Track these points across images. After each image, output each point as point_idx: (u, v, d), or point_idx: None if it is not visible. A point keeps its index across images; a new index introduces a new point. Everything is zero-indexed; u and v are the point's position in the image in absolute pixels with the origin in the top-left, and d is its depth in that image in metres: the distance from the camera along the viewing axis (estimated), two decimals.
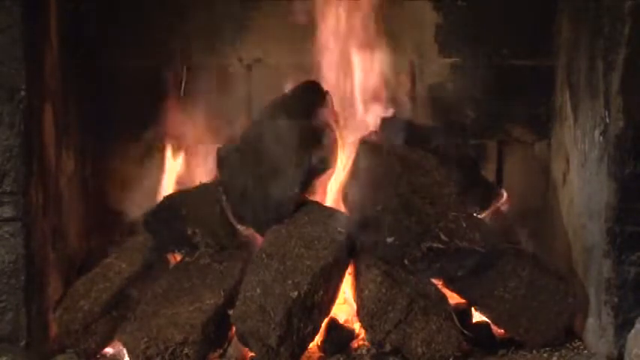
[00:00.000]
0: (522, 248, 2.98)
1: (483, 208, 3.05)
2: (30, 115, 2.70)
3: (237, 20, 3.25)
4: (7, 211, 2.69)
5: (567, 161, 3.10)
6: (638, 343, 2.67)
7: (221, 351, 2.80)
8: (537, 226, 3.28)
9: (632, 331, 2.71)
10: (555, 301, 2.86)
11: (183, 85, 3.22)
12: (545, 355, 2.84)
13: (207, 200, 3.00)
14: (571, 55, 3.08)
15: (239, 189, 2.94)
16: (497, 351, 2.85)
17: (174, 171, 3.22)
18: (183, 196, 3.05)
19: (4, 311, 2.71)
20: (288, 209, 2.90)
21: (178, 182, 3.20)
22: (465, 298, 2.91)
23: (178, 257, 2.98)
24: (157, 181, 3.20)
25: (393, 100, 3.19)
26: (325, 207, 2.98)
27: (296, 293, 2.69)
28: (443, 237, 2.82)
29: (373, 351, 2.78)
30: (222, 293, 2.80)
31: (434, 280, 2.86)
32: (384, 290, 2.76)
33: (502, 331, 2.91)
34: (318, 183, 3.03)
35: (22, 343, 2.72)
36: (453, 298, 2.89)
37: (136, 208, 3.08)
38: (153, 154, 3.23)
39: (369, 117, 3.15)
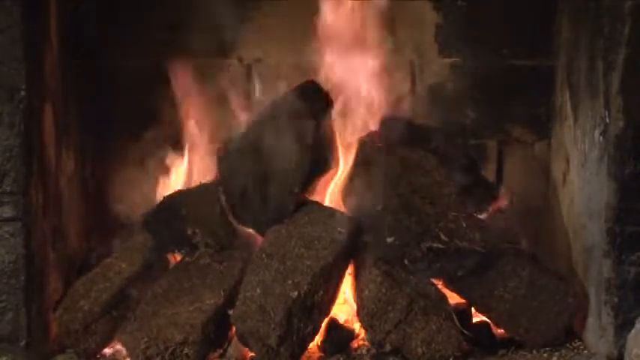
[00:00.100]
0: (522, 248, 2.98)
1: (483, 208, 3.05)
2: (30, 115, 2.70)
3: (237, 20, 3.25)
4: (7, 211, 2.69)
5: (567, 161, 3.10)
6: (638, 343, 2.67)
7: (221, 351, 2.80)
8: (537, 226, 3.28)
9: (632, 331, 2.71)
10: (555, 301, 2.86)
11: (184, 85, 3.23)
12: (545, 355, 2.84)
13: (207, 200, 3.00)
14: (571, 55, 3.08)
15: (239, 189, 2.94)
16: (497, 351, 2.85)
17: (174, 171, 3.22)
18: (183, 196, 3.05)
19: (4, 311, 2.71)
20: (288, 209, 2.91)
21: (178, 182, 3.20)
22: (465, 298, 2.91)
23: (178, 257, 2.98)
24: (157, 181, 3.20)
25: (392, 100, 3.19)
26: (325, 207, 2.98)
27: (296, 293, 2.69)
28: (443, 237, 2.82)
29: (373, 351, 2.78)
30: (222, 293, 2.80)
31: (434, 280, 2.86)
32: (384, 290, 2.76)
33: (502, 331, 2.91)
34: (318, 183, 3.04)
35: (22, 343, 2.72)
36: (453, 298, 2.89)
37: (136, 208, 3.08)
38: (153, 154, 3.22)
39: (369, 117, 3.15)
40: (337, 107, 3.12)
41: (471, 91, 3.30)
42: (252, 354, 2.76)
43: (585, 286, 2.90)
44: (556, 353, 2.85)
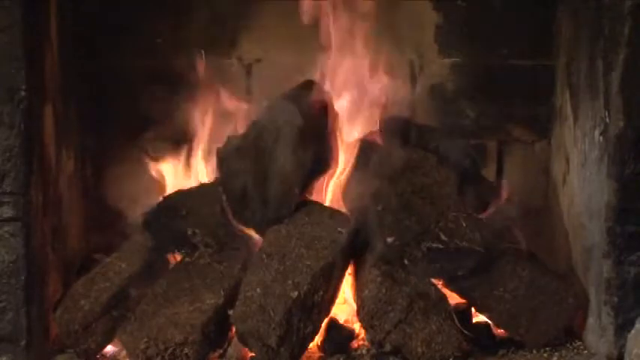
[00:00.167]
0: (522, 248, 2.98)
1: (483, 208, 3.04)
2: (30, 115, 2.70)
3: (237, 20, 3.25)
4: (7, 211, 2.69)
5: (567, 161, 3.10)
6: (638, 343, 2.67)
7: (221, 351, 2.80)
8: (537, 226, 3.27)
9: (632, 331, 2.71)
10: (555, 301, 2.86)
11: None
12: (545, 355, 2.84)
13: (207, 200, 2.99)
14: (571, 55, 3.08)
15: (239, 189, 2.93)
16: (497, 351, 2.85)
17: (174, 171, 3.22)
18: (183, 196, 3.05)
19: (4, 311, 2.71)
20: (288, 209, 2.91)
21: (178, 182, 3.20)
22: (464, 298, 2.91)
23: (178, 257, 2.98)
24: (157, 181, 3.20)
25: (393, 100, 3.18)
26: (325, 207, 2.98)
27: (296, 293, 2.69)
28: (443, 237, 2.82)
29: (373, 351, 2.78)
30: (222, 293, 2.80)
31: (434, 280, 2.86)
32: (384, 290, 2.76)
33: (502, 331, 2.91)
34: (318, 183, 3.03)
35: (22, 343, 2.72)
36: (453, 298, 2.89)
37: (136, 208, 3.08)
38: (153, 154, 3.22)
39: (369, 117, 3.15)
40: (337, 107, 3.12)
41: (471, 91, 3.30)
42: (252, 354, 2.76)
43: (585, 286, 2.90)
44: (556, 353, 2.85)
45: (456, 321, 2.78)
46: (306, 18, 3.11)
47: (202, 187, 3.07)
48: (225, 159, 3.00)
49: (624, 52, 2.68)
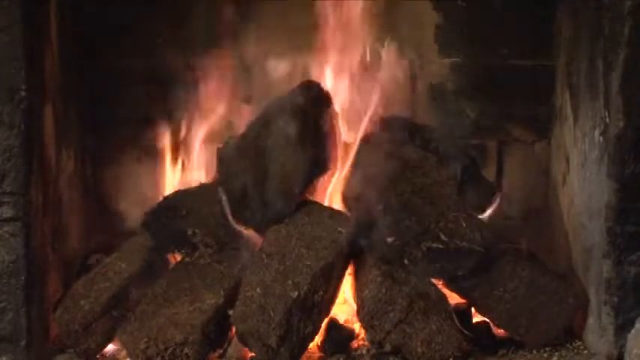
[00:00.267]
0: (522, 248, 2.98)
1: (483, 208, 3.04)
2: (30, 115, 2.70)
3: (237, 20, 3.25)
4: (7, 211, 2.69)
5: (567, 161, 3.10)
6: (638, 343, 2.67)
7: (221, 351, 2.80)
8: (537, 226, 3.28)
9: (632, 331, 2.71)
10: (555, 301, 2.86)
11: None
12: (545, 355, 2.84)
13: (207, 200, 3.00)
14: (571, 55, 3.08)
15: (239, 189, 2.93)
16: (498, 351, 2.85)
17: (174, 171, 3.22)
18: (183, 196, 3.05)
19: (4, 311, 2.71)
20: (288, 209, 2.91)
21: (178, 182, 3.20)
22: (464, 298, 2.91)
23: (178, 257, 2.98)
24: (157, 181, 3.20)
25: (393, 100, 3.18)
26: (325, 207, 2.98)
27: (296, 293, 2.69)
28: (443, 237, 2.82)
29: (373, 351, 2.78)
30: (222, 293, 2.80)
31: (434, 280, 2.86)
32: (384, 290, 2.76)
33: (502, 331, 2.91)
34: (318, 183, 3.03)
35: (22, 343, 2.72)
36: (453, 298, 2.89)
37: (136, 208, 3.08)
38: (153, 154, 3.22)
39: (369, 117, 3.15)
40: (337, 107, 3.12)
41: (471, 91, 3.30)
42: (252, 354, 2.76)
43: (585, 286, 2.90)
44: (556, 353, 2.85)
45: (456, 321, 2.78)
46: (306, 18, 3.11)
47: (202, 187, 3.07)
48: (225, 159, 3.00)
49: (624, 52, 2.68)
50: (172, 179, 3.21)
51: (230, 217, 2.96)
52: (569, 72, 3.09)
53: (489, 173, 3.29)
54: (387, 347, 2.76)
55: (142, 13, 3.22)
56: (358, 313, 2.81)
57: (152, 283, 2.88)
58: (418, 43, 3.30)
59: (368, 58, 3.18)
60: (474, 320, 2.92)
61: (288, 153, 2.91)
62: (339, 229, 2.85)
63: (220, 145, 3.05)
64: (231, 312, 2.75)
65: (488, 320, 2.90)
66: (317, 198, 3.03)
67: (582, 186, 2.94)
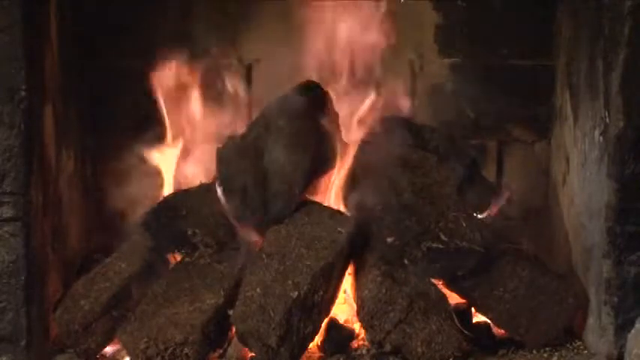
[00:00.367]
0: (522, 248, 2.98)
1: (483, 208, 3.05)
2: (30, 115, 2.70)
3: (237, 20, 3.25)
4: (7, 211, 2.69)
5: (567, 161, 3.10)
6: (638, 343, 2.67)
7: (221, 351, 2.80)
8: (537, 226, 3.28)
9: (632, 331, 2.71)
10: (555, 301, 2.86)
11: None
12: (545, 355, 2.84)
13: (207, 200, 2.99)
14: (571, 55, 3.08)
15: (239, 189, 2.93)
16: (498, 351, 2.85)
17: (174, 171, 3.22)
18: (183, 196, 3.05)
19: (4, 311, 2.71)
20: (288, 209, 2.90)
21: (178, 182, 3.20)
22: (464, 298, 2.91)
23: (178, 257, 2.98)
24: (157, 181, 3.20)
25: (393, 100, 3.19)
26: (325, 207, 2.98)
27: (296, 293, 2.69)
28: (443, 237, 2.82)
29: (373, 351, 2.78)
30: (222, 293, 2.80)
31: (434, 280, 2.86)
32: (384, 290, 2.76)
33: (502, 331, 2.91)
34: (318, 183, 3.03)
35: (22, 343, 2.72)
36: (453, 298, 2.89)
37: (136, 207, 3.08)
38: (153, 154, 3.22)
39: (369, 117, 3.15)
40: (337, 107, 3.12)
41: (471, 91, 3.30)
42: (252, 354, 2.76)
43: (585, 286, 2.90)
44: (556, 353, 2.85)
45: (456, 321, 2.78)
46: (306, 18, 3.11)
47: (202, 187, 3.07)
48: (224, 159, 3.00)
49: (624, 52, 2.68)
50: (172, 179, 3.21)
51: (230, 217, 2.96)
52: (569, 72, 3.09)
53: (489, 173, 3.30)
54: (387, 347, 2.76)
55: (142, 13, 3.22)
56: (358, 313, 2.81)
57: (152, 283, 2.88)
58: (418, 43, 3.30)
59: (368, 58, 3.18)
60: (474, 320, 2.92)
61: (288, 153, 2.91)
62: (339, 229, 2.85)
63: (220, 145, 3.05)
64: (231, 312, 2.75)
65: (488, 320, 2.90)
66: (317, 198, 3.03)
67: (582, 186, 2.94)
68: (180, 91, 3.22)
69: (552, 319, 2.86)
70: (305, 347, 2.75)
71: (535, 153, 3.36)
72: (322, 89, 3.08)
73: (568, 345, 2.89)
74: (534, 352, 2.85)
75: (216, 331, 2.76)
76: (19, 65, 2.66)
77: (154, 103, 3.20)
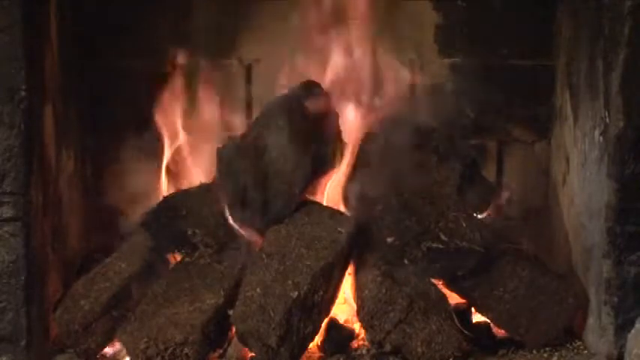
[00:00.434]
0: (522, 248, 2.98)
1: (483, 208, 3.05)
2: (30, 115, 2.70)
3: (237, 20, 3.25)
4: (7, 211, 2.69)
5: (567, 161, 3.10)
6: (638, 343, 2.67)
7: (221, 351, 2.80)
8: (537, 226, 3.28)
9: (632, 331, 2.71)
10: (555, 301, 2.86)
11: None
12: (545, 355, 2.84)
13: (207, 200, 3.00)
14: (571, 55, 3.08)
15: (239, 189, 2.93)
16: (498, 351, 2.85)
17: (174, 171, 3.22)
18: (183, 196, 3.05)
19: (4, 311, 2.71)
20: (288, 209, 2.90)
21: (178, 182, 3.20)
22: (465, 298, 2.91)
23: (178, 257, 2.98)
24: (157, 181, 3.20)
25: (393, 100, 3.18)
26: (325, 207, 2.98)
27: (296, 293, 2.69)
28: (443, 237, 2.82)
29: (373, 351, 2.78)
30: (222, 293, 2.80)
31: (434, 280, 2.86)
32: (384, 290, 2.76)
33: (502, 331, 2.91)
34: (318, 183, 3.03)
35: (22, 343, 2.72)
36: (453, 298, 2.89)
37: (136, 207, 3.08)
38: (153, 154, 3.22)
39: (369, 117, 3.15)
40: (337, 107, 3.12)
41: (471, 91, 3.29)
42: (252, 354, 2.76)
43: (585, 286, 2.90)
44: (556, 353, 2.85)
45: (456, 321, 2.78)
46: (306, 18, 3.11)
47: (202, 187, 3.07)
48: (224, 159, 3.00)
49: (624, 52, 2.68)
50: (172, 179, 3.21)
51: (230, 217, 2.96)
52: (569, 72, 3.09)
53: (489, 173, 3.29)
54: (387, 347, 2.76)
55: (142, 13, 3.22)
56: (358, 313, 2.81)
57: (152, 283, 2.88)
58: (418, 43, 3.30)
59: (368, 58, 3.18)
60: (474, 320, 2.92)
61: (288, 153, 2.91)
62: (339, 229, 2.85)
63: (220, 145, 3.05)
64: (231, 312, 2.75)
65: (488, 320, 2.90)
66: (317, 198, 3.03)
67: (582, 186, 2.94)
68: (180, 91, 3.22)
69: (552, 319, 2.86)
70: (305, 347, 2.75)
71: (535, 153, 3.36)
72: (322, 89, 3.08)
73: (568, 345, 2.89)
74: (534, 352, 2.85)
75: (216, 331, 2.76)
76: (19, 65, 2.66)
77: (154, 103, 3.20)
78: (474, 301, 2.90)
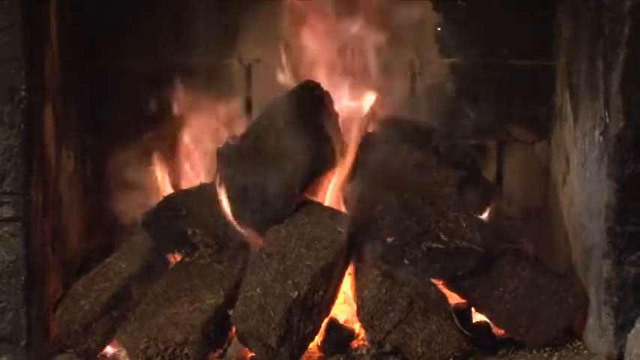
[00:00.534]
0: (522, 248, 2.98)
1: (483, 208, 3.05)
2: (30, 115, 2.70)
3: (237, 20, 3.25)
4: (7, 211, 2.69)
5: (567, 161, 3.10)
6: (638, 343, 2.67)
7: (221, 351, 2.80)
8: (537, 226, 3.28)
9: (632, 331, 2.71)
10: (555, 301, 2.86)
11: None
12: (545, 355, 2.84)
13: (207, 200, 3.00)
14: (571, 55, 3.08)
15: (239, 189, 2.93)
16: (498, 351, 2.85)
17: (174, 171, 3.22)
18: (183, 196, 3.05)
19: (4, 311, 2.71)
20: (288, 209, 2.90)
21: (178, 182, 3.20)
22: (465, 298, 2.91)
23: (178, 257, 2.98)
24: (157, 181, 3.20)
25: (393, 100, 3.19)
26: (325, 207, 2.98)
27: (296, 293, 2.69)
28: (443, 237, 2.82)
29: (373, 351, 2.78)
30: (222, 293, 2.80)
31: (434, 280, 2.86)
32: (384, 290, 2.76)
33: (502, 331, 2.91)
34: (318, 183, 3.03)
35: (22, 343, 2.72)
36: (453, 298, 2.89)
37: (136, 208, 3.08)
38: (153, 154, 3.22)
39: (369, 117, 3.15)
40: (337, 107, 3.12)
41: (471, 91, 3.30)
42: (252, 354, 2.76)
43: (585, 286, 2.90)
44: (556, 353, 2.85)
45: (456, 321, 2.78)
46: (306, 18, 3.11)
47: (202, 187, 3.07)
48: (225, 159, 3.00)
49: (624, 52, 2.68)
50: (172, 179, 3.21)
51: (230, 217, 2.96)
52: (569, 72, 3.09)
53: (489, 173, 3.30)
54: (387, 347, 2.76)
55: (142, 13, 3.22)
56: (358, 313, 2.81)
57: (152, 283, 2.88)
58: (418, 43, 3.30)
59: (368, 58, 3.18)
60: (474, 320, 2.92)
61: (288, 153, 2.91)
62: (339, 229, 2.85)
63: (220, 145, 3.05)
64: (231, 312, 2.75)
65: (488, 320, 2.90)
66: (317, 198, 3.03)
67: (582, 186, 2.94)
68: (180, 91, 3.22)
69: (552, 319, 2.86)
70: (305, 347, 2.75)
71: (535, 153, 3.35)
72: (322, 89, 3.08)
73: (568, 345, 2.89)
74: (534, 352, 2.85)
75: (216, 331, 2.76)
76: (19, 65, 2.66)
77: (154, 103, 3.20)
78: (474, 301, 2.90)
